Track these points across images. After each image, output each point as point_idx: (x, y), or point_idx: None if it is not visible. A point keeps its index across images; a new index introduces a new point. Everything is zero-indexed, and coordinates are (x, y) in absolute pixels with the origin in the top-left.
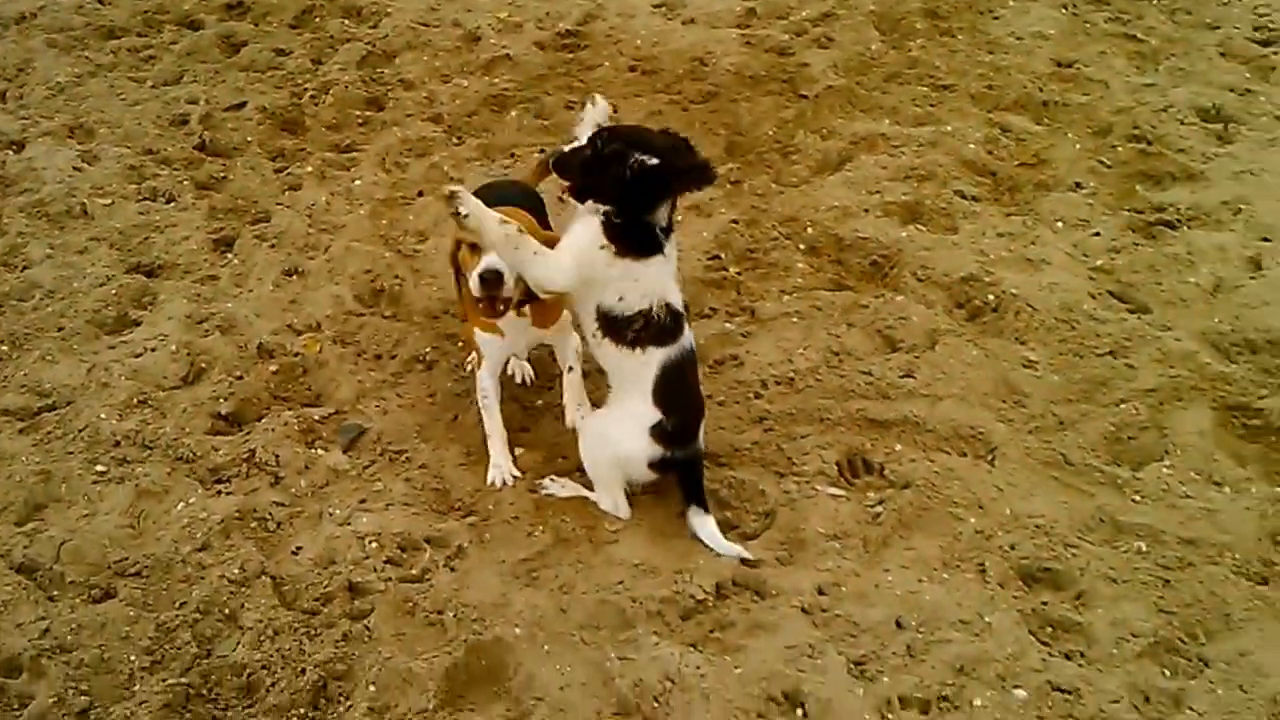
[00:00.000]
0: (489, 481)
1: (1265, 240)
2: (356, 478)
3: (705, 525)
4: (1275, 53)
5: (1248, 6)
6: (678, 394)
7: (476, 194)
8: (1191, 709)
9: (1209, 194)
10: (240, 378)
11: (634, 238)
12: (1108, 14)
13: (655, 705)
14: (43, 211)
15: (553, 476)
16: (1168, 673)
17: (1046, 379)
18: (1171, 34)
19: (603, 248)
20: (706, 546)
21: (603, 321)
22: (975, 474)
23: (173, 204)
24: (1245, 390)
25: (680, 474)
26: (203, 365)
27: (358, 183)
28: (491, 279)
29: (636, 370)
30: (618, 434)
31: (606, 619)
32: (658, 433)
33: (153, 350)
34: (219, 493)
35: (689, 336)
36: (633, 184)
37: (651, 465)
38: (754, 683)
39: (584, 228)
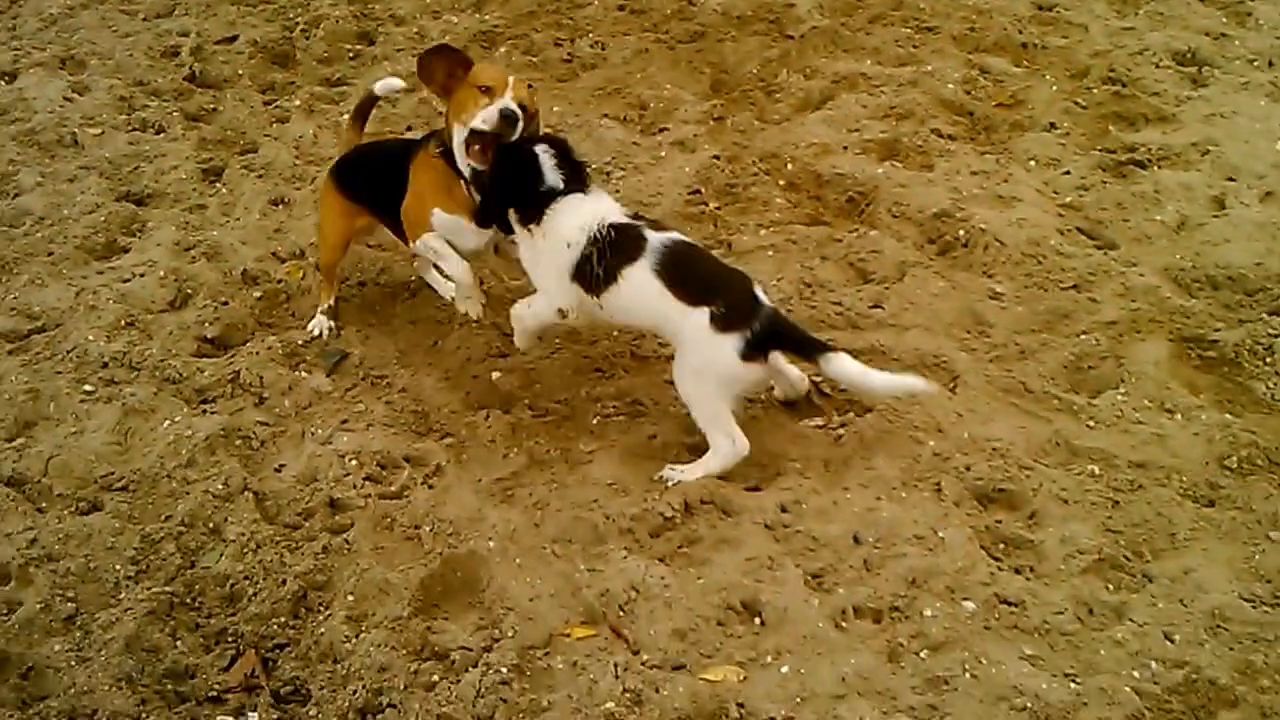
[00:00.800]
0: (462, 312)
1: (1230, 180)
2: (338, 399)
3: (843, 364)
4: None
5: None
6: (701, 279)
7: (354, 153)
8: (1132, 620)
9: (1179, 135)
10: (226, 303)
11: (529, 202)
12: None
13: (620, 614)
14: (34, 140)
15: (671, 466)
16: (1111, 587)
17: (1011, 310)
18: None
19: (530, 232)
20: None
21: (586, 285)
22: (937, 400)
23: (162, 134)
24: (1203, 323)
25: (778, 344)
26: (189, 290)
27: (346, 116)
28: (512, 117)
29: (646, 298)
30: (696, 358)
31: (578, 534)
32: (720, 322)
33: (141, 275)
34: (204, 412)
35: (664, 235)
36: (495, 174)
37: (744, 356)
38: (714, 592)
39: (522, 246)
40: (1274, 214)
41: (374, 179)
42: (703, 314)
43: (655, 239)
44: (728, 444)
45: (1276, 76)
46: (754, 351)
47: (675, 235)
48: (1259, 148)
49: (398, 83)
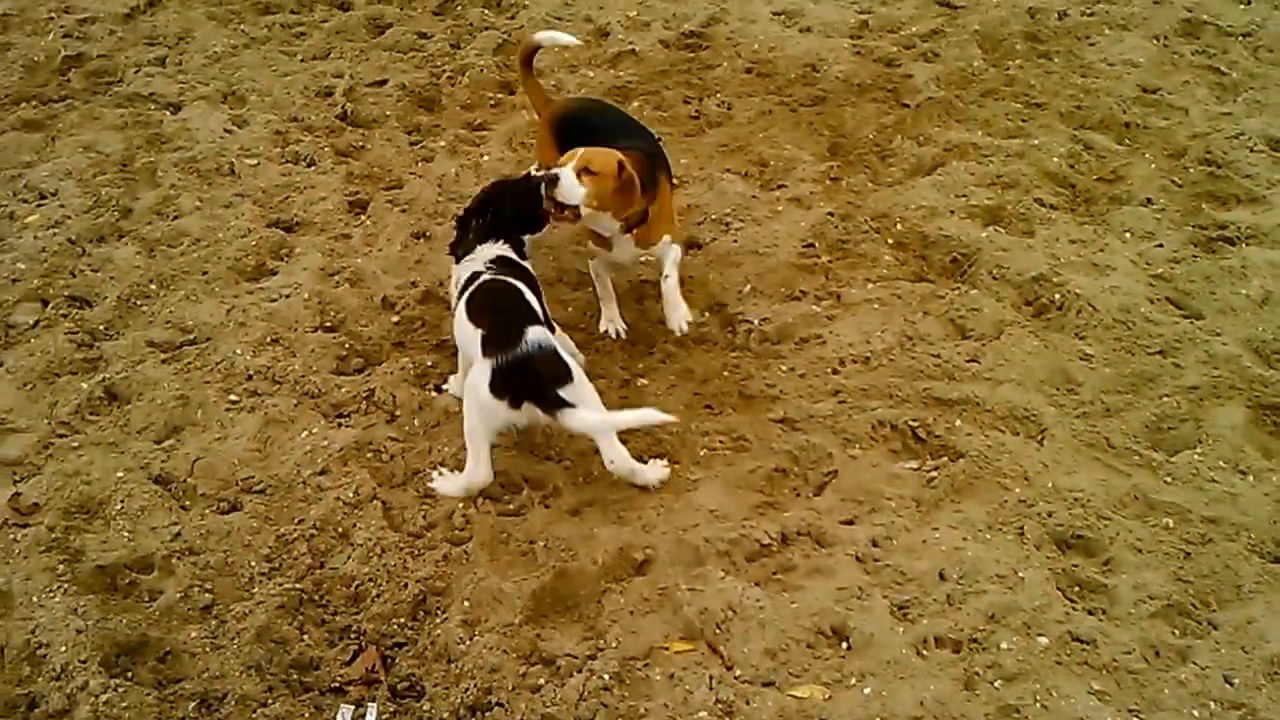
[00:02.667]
0: (601, 330)
1: None
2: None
3: (580, 417)
4: None
5: None
6: (488, 307)
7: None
8: (1195, 663)
9: (1269, 216)
10: (365, 325)
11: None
12: (1195, 47)
13: (717, 631)
14: (194, 168)
15: (439, 469)
16: (1178, 632)
17: (1099, 371)
18: (1253, 69)
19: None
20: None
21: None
22: (1025, 450)
23: (313, 168)
24: (1279, 393)
25: (525, 388)
26: (332, 312)
27: (486, 158)
28: (551, 181)
29: (461, 325)
30: (470, 375)
31: (680, 556)
32: (484, 345)
33: (287, 297)
34: (339, 425)
35: (491, 278)
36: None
37: (491, 388)
38: (806, 616)
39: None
40: None
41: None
42: (478, 333)
43: (480, 280)
44: (472, 466)
45: None
46: (500, 386)
47: (503, 279)
48: None
49: (564, 37)
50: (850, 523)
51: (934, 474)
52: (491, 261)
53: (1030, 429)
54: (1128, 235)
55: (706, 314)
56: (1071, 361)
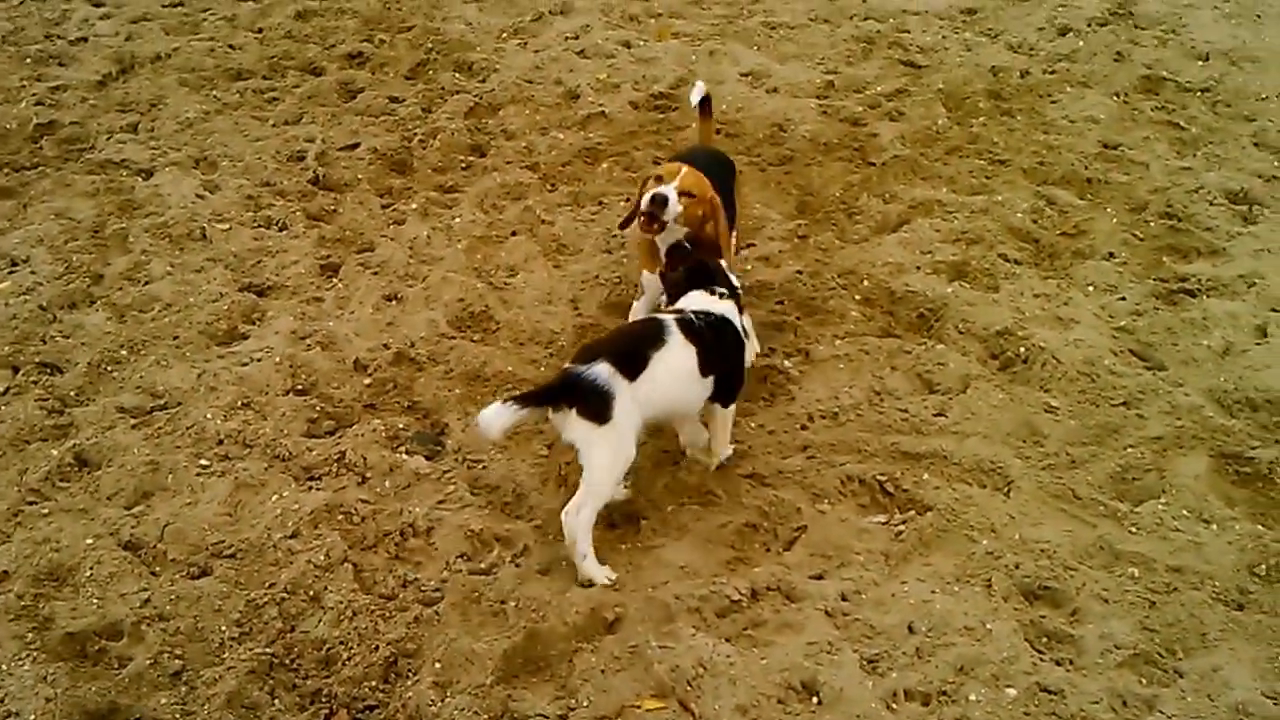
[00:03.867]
0: None
1: (1274, 310)
2: (435, 481)
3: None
4: None
5: None
6: (634, 326)
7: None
8: (1162, 712)
9: (1228, 268)
10: (336, 388)
11: None
12: (1155, 103)
13: (689, 688)
14: (166, 233)
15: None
16: (1144, 681)
17: (1064, 423)
18: (1211, 124)
19: None
20: None
21: None
22: (992, 502)
23: (285, 232)
24: (1241, 442)
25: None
26: (303, 376)
27: (457, 220)
28: (659, 201)
29: None
30: None
31: (651, 613)
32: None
33: (258, 360)
34: (310, 488)
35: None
36: None
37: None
38: (776, 672)
39: None
40: None
41: None
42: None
43: (661, 316)
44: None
45: None
46: (559, 383)
47: (663, 329)
48: None
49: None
50: (820, 577)
51: (902, 528)
52: (702, 312)
53: (997, 481)
54: (1091, 289)
55: None
56: (1037, 414)
